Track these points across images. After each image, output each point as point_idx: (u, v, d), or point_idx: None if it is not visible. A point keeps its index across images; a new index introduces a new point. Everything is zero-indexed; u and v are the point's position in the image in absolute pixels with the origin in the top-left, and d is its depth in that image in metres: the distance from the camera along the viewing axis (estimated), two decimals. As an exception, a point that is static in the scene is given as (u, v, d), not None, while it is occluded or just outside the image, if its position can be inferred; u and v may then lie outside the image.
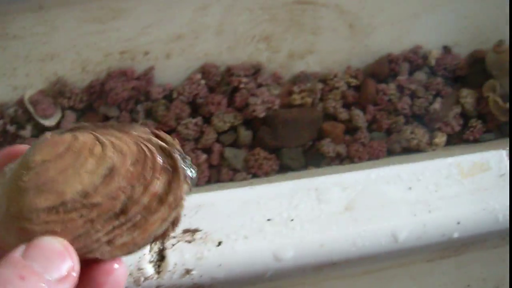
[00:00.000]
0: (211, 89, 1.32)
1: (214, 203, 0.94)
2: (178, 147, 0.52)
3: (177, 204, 0.48)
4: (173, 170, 0.49)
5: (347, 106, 1.34)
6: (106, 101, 1.27)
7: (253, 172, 1.25)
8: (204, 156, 1.25)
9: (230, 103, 1.30)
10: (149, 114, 1.30)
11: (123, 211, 0.47)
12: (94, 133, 0.50)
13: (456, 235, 0.93)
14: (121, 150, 0.49)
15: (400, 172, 0.97)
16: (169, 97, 1.30)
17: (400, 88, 1.34)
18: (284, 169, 1.27)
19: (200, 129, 1.27)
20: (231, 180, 1.25)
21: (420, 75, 1.38)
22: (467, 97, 1.33)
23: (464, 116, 1.34)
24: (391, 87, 1.33)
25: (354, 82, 1.35)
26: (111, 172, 0.47)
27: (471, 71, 1.39)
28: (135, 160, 0.49)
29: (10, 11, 1.22)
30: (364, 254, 0.87)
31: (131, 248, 0.47)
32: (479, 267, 1.05)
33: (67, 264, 0.44)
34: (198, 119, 1.27)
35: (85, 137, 0.49)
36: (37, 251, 0.44)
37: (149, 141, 0.51)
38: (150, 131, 0.53)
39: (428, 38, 1.41)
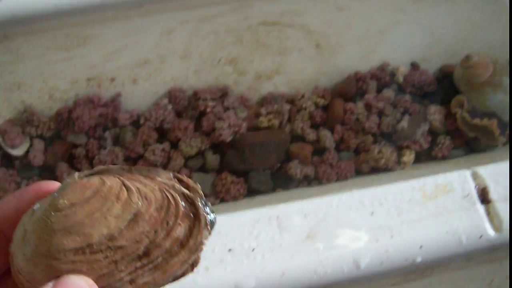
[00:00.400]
0: (179, 114, 1.32)
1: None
2: (200, 192, 0.53)
3: (197, 248, 0.50)
4: (195, 217, 0.51)
5: (315, 126, 1.34)
6: (74, 128, 1.27)
7: (221, 197, 1.25)
8: (172, 182, 1.25)
9: (197, 128, 1.30)
10: (117, 140, 1.30)
11: (146, 254, 0.48)
12: (120, 177, 0.52)
13: (419, 259, 0.93)
14: (146, 196, 0.50)
15: (363, 197, 0.97)
16: (136, 123, 1.31)
17: (368, 107, 1.34)
18: (252, 192, 1.27)
19: (167, 154, 1.27)
20: (200, 205, 1.26)
21: (388, 92, 1.38)
22: (435, 113, 1.33)
23: (432, 133, 1.34)
24: (359, 106, 1.33)
25: (321, 102, 1.35)
26: (136, 217, 0.49)
27: (439, 87, 1.39)
28: (159, 206, 0.50)
29: (-26, 41, 1.22)
30: (326, 282, 0.87)
31: (152, 287, 0.49)
32: (445, 289, 1.05)
33: None
34: (166, 145, 1.27)
35: (111, 182, 0.51)
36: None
37: (173, 187, 0.52)
38: (174, 176, 0.54)
39: (396, 54, 1.42)
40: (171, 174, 0.54)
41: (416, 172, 1.28)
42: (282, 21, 1.31)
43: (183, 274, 0.50)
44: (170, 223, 0.50)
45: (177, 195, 0.51)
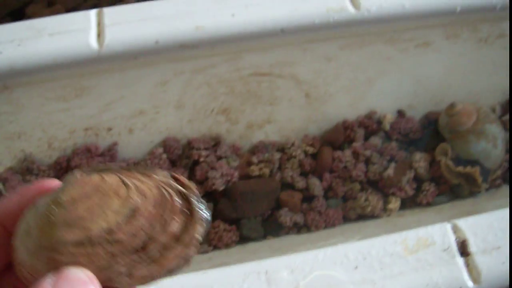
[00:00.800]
0: (173, 163, 1.35)
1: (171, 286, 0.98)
2: (195, 190, 0.55)
3: (191, 243, 0.52)
4: (190, 213, 0.53)
5: (304, 174, 1.38)
6: (72, 177, 1.30)
7: (214, 244, 1.28)
8: (167, 230, 1.28)
9: (191, 176, 1.33)
10: (113, 188, 1.33)
11: (143, 248, 0.51)
12: (119, 175, 0.55)
13: (401, 312, 0.97)
14: (143, 192, 0.53)
15: (348, 251, 1.00)
16: (132, 172, 1.33)
17: (356, 155, 1.38)
18: (244, 239, 1.31)
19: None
20: (193, 252, 1.29)
21: (376, 140, 1.42)
22: (420, 161, 1.36)
23: (417, 179, 1.38)
24: (347, 154, 1.37)
25: (311, 150, 1.39)
26: (134, 212, 0.51)
27: (425, 134, 1.43)
28: (156, 203, 0.53)
29: (-24, 92, 1.25)
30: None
31: (148, 280, 0.51)
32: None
33: None
34: (161, 193, 1.30)
35: (111, 179, 0.53)
36: (65, 281, 0.47)
37: (169, 185, 0.54)
38: (170, 175, 0.56)
39: (383, 102, 1.45)
40: (168, 173, 0.56)
41: (401, 219, 1.32)
42: (273, 72, 1.34)
43: (178, 268, 0.52)
44: (167, 218, 0.52)
45: (173, 192, 0.54)
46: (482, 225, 1.06)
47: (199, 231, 0.53)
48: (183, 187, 0.55)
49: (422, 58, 1.42)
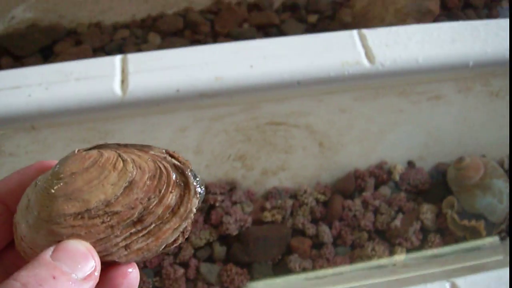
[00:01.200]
0: (189, 206, 1.39)
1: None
2: (190, 166, 0.57)
3: (187, 216, 0.54)
4: (185, 186, 0.55)
5: (315, 221, 1.43)
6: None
7: (226, 286, 1.33)
8: (181, 271, 1.33)
9: (206, 220, 1.39)
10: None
11: (140, 220, 0.52)
12: (116, 151, 0.56)
13: None
14: (140, 166, 0.54)
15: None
16: (150, 214, 1.38)
17: (365, 204, 1.42)
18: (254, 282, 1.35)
19: (178, 245, 1.34)
20: (206, 293, 1.34)
21: (385, 190, 1.46)
22: (427, 212, 1.40)
23: (424, 230, 1.42)
24: (356, 203, 1.42)
25: (322, 198, 1.44)
26: (130, 184, 0.53)
27: (433, 185, 1.47)
28: (152, 176, 0.54)
29: (6, 131, 1.30)
30: None
31: (145, 253, 0.53)
32: None
33: (91, 264, 0.50)
34: (177, 235, 1.34)
35: (109, 154, 0.55)
36: (64, 253, 0.49)
37: (165, 159, 0.57)
38: (166, 151, 0.59)
39: (394, 153, 1.50)
40: (163, 150, 0.58)
41: (406, 270, 1.35)
42: (288, 121, 1.39)
43: (175, 242, 0.54)
44: (162, 191, 0.53)
45: (168, 166, 0.55)
46: (480, 284, 1.09)
47: (194, 204, 0.55)
48: (178, 162, 0.57)
49: (433, 110, 1.46)
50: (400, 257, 1.37)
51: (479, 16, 1.97)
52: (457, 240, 1.41)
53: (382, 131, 1.46)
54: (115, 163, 0.54)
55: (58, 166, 0.54)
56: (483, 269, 1.14)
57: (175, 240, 0.54)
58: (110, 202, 0.52)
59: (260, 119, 1.38)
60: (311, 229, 1.40)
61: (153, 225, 0.53)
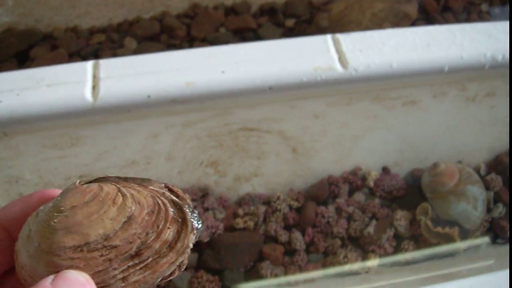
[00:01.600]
0: (161, 213, 1.38)
1: None
2: (189, 201, 0.58)
3: (184, 250, 0.55)
4: (182, 222, 0.56)
5: (287, 227, 1.41)
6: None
7: (197, 294, 1.32)
8: (152, 278, 1.32)
9: (177, 227, 1.36)
10: (104, 235, 1.36)
11: (137, 254, 0.53)
12: (116, 185, 0.57)
13: None
14: (139, 201, 0.55)
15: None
16: (122, 221, 1.36)
17: (339, 211, 1.41)
18: (225, 290, 1.34)
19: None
20: (176, 301, 1.33)
21: (359, 196, 1.45)
22: (401, 219, 1.39)
23: (397, 237, 1.41)
24: (330, 210, 1.40)
25: (295, 204, 1.43)
26: (129, 220, 0.54)
27: (408, 191, 1.46)
28: (150, 211, 0.55)
29: (-23, 138, 1.29)
30: None
31: (142, 285, 0.54)
32: None
33: None
34: (148, 242, 1.33)
35: (109, 188, 0.56)
36: (63, 282, 0.50)
37: (163, 195, 0.58)
38: (165, 186, 0.60)
39: (369, 159, 1.48)
40: (163, 184, 0.59)
41: (378, 277, 1.34)
42: (261, 127, 1.38)
43: (171, 275, 0.55)
44: (160, 226, 0.54)
45: (167, 201, 0.57)
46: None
47: (191, 240, 0.56)
48: (177, 198, 0.58)
49: (408, 116, 1.45)
50: (373, 264, 1.36)
51: (457, 20, 1.96)
52: (431, 247, 1.40)
53: (356, 136, 1.45)
54: (114, 198, 0.55)
55: (59, 198, 0.55)
56: (456, 277, 1.13)
57: (171, 273, 0.55)
58: (109, 236, 0.53)
59: (232, 125, 1.37)
60: (283, 236, 1.38)
61: (151, 259, 0.54)
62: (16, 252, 0.56)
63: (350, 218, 1.41)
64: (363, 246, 1.39)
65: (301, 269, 1.35)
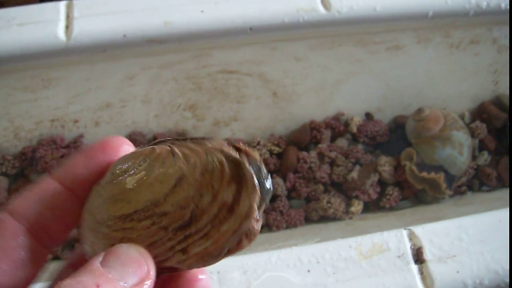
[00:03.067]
0: (137, 157, 1.34)
1: None
2: (257, 158, 0.51)
3: (248, 215, 0.48)
4: (242, 180, 0.48)
5: (268, 173, 1.36)
6: (37, 168, 1.30)
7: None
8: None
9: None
10: (77, 181, 1.32)
11: (193, 220, 0.48)
12: (170, 145, 0.52)
13: (351, 317, 0.97)
14: (190, 160, 0.50)
15: (301, 254, 1.00)
16: (97, 165, 1.33)
17: (321, 156, 1.37)
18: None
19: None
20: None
21: (342, 142, 1.41)
22: (385, 165, 1.36)
23: (382, 183, 1.37)
24: (312, 155, 1.36)
25: (276, 149, 1.38)
26: (180, 181, 0.48)
27: (392, 138, 1.43)
28: (204, 170, 0.49)
29: None
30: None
31: (206, 258, 0.48)
32: None
33: (143, 270, 0.47)
34: (124, 187, 1.29)
35: (161, 149, 0.51)
36: (115, 258, 0.46)
37: (222, 152, 0.50)
38: (227, 143, 0.52)
39: (351, 104, 1.45)
40: (225, 142, 0.52)
41: (363, 223, 1.32)
42: (241, 69, 1.34)
43: (239, 246, 0.49)
44: (216, 187, 0.48)
45: (223, 158, 0.49)
46: (439, 233, 1.06)
47: (255, 201, 0.48)
48: (239, 154, 0.51)
49: (392, 61, 1.42)
50: (356, 209, 1.33)
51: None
52: (416, 194, 1.38)
53: (339, 81, 1.41)
54: (165, 159, 0.50)
55: (113, 165, 0.52)
56: (444, 219, 1.11)
57: (238, 243, 0.49)
58: (159, 201, 0.48)
59: (211, 67, 1.33)
60: (264, 182, 1.34)
61: (209, 226, 0.48)
62: (80, 224, 0.53)
63: (333, 163, 1.38)
64: (346, 192, 1.36)
65: (282, 215, 1.32)
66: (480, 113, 1.48)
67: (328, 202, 1.31)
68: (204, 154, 0.50)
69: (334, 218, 1.33)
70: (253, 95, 1.38)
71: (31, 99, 1.30)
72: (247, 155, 0.51)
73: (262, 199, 0.49)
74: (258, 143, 1.38)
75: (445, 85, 1.48)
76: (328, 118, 1.44)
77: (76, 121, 1.34)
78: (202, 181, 0.48)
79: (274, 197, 1.35)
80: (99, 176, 0.53)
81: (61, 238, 0.54)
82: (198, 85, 1.34)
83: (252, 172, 0.49)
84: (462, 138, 1.35)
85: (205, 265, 0.49)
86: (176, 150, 0.51)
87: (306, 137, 1.40)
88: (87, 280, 0.44)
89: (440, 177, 1.31)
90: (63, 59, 1.24)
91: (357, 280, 0.99)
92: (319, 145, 1.39)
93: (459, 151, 1.34)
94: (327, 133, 1.41)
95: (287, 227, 1.32)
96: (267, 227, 1.32)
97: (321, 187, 1.35)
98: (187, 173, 0.49)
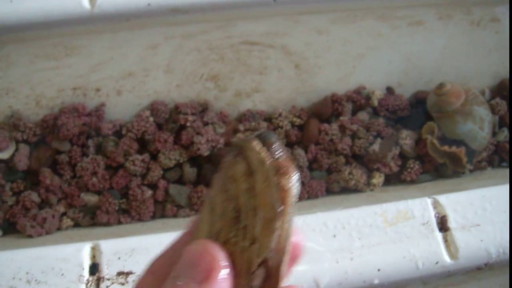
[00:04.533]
0: (159, 126, 1.35)
1: (148, 247, 0.98)
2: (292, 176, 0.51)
3: (262, 161, 0.50)
4: (242, 146, 0.52)
5: (290, 144, 1.37)
6: (58, 135, 1.29)
7: (196, 209, 1.28)
8: (149, 192, 1.28)
9: (176, 141, 1.32)
10: (99, 149, 1.32)
11: (238, 208, 0.50)
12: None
13: (376, 281, 0.97)
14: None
15: (327, 219, 1.01)
16: (118, 133, 1.34)
17: (342, 128, 1.37)
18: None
19: (146, 165, 1.30)
20: (175, 216, 1.29)
21: (363, 115, 1.41)
22: (406, 138, 1.36)
23: (403, 157, 1.37)
24: (333, 127, 1.36)
25: (298, 121, 1.38)
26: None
27: (413, 112, 1.42)
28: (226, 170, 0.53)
29: (-34, 47, 1.25)
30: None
31: (270, 227, 0.48)
32: (402, 311, 1.08)
33: (207, 263, 0.46)
34: (145, 156, 1.30)
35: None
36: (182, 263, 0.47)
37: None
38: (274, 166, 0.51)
39: (373, 78, 1.45)
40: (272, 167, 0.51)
41: (384, 194, 1.32)
42: (264, 41, 1.34)
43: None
44: (229, 172, 0.52)
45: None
46: (463, 202, 1.06)
47: (255, 146, 0.51)
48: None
49: (413, 36, 1.42)
50: (378, 181, 1.33)
51: None
52: (437, 167, 1.38)
53: (361, 55, 1.42)
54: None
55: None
56: (465, 189, 1.11)
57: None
58: None
59: (234, 38, 1.34)
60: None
61: (249, 199, 0.50)
62: None
63: (354, 136, 1.38)
64: (367, 164, 1.36)
65: (304, 185, 1.32)
66: (500, 90, 1.48)
67: (350, 173, 1.32)
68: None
69: (355, 190, 1.34)
70: (275, 67, 1.38)
71: (53, 67, 1.30)
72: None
73: (270, 144, 0.52)
74: (280, 115, 1.38)
75: (466, 62, 1.48)
76: (349, 92, 1.44)
77: (98, 90, 1.34)
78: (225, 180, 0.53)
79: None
80: None
81: None
82: (221, 55, 1.34)
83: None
84: (483, 113, 1.35)
85: (272, 234, 0.49)
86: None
87: (327, 109, 1.40)
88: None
89: (461, 151, 1.31)
90: (87, 27, 1.24)
91: (382, 246, 0.99)
92: (341, 118, 1.39)
93: (480, 126, 1.33)
94: (348, 106, 1.41)
95: (309, 198, 1.32)
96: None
97: (342, 159, 1.35)
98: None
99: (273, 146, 0.51)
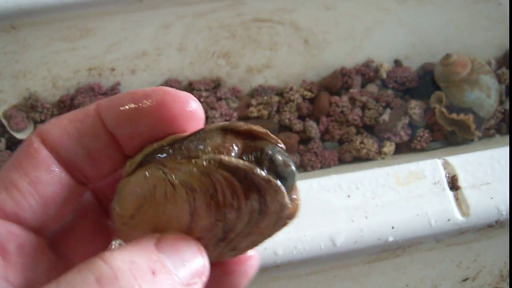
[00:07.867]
0: (174, 103, 1.37)
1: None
2: (266, 141, 0.43)
3: (282, 209, 0.43)
4: (260, 188, 0.42)
5: (301, 117, 1.40)
6: (75, 115, 1.32)
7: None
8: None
9: (191, 117, 1.34)
10: (116, 127, 1.35)
11: (228, 232, 0.44)
12: (163, 169, 0.43)
13: (391, 239, 0.99)
14: (192, 187, 0.42)
15: (341, 181, 1.03)
16: (134, 111, 1.36)
17: (352, 100, 1.40)
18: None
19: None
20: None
21: (372, 87, 1.44)
22: (415, 108, 1.39)
23: (412, 126, 1.40)
24: (344, 99, 1.39)
25: (308, 95, 1.41)
26: (193, 214, 0.42)
27: (420, 83, 1.45)
28: (212, 196, 0.42)
29: (-17, 31, 1.28)
30: (305, 257, 0.93)
31: (255, 245, 0.46)
32: (416, 268, 1.11)
33: (199, 263, 0.42)
34: (161, 132, 1.32)
35: (154, 179, 0.43)
36: (171, 246, 0.41)
37: (221, 164, 0.42)
38: (223, 135, 0.43)
39: (380, 52, 1.47)
40: (219, 139, 0.43)
41: (395, 161, 1.34)
42: (273, 18, 1.37)
43: (284, 226, 0.45)
44: (235, 204, 0.42)
45: (226, 173, 0.41)
46: (472, 162, 1.08)
47: (285, 197, 0.42)
48: (247, 145, 0.43)
49: (419, 9, 1.44)
50: (389, 149, 1.36)
51: None
52: (446, 135, 1.40)
53: (368, 29, 1.44)
54: (165, 194, 0.42)
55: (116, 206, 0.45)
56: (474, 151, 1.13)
57: (283, 225, 0.45)
58: (188, 231, 0.43)
59: (244, 15, 1.36)
60: (298, 125, 1.37)
61: (247, 228, 0.44)
62: (116, 199, 0.45)
63: (364, 107, 1.40)
64: (378, 134, 1.39)
65: (317, 155, 1.35)
66: (506, 60, 1.50)
67: (361, 142, 1.34)
68: (203, 175, 0.42)
69: (367, 159, 1.36)
70: (285, 43, 1.41)
71: (69, 49, 1.33)
72: (254, 140, 0.44)
73: (290, 188, 0.43)
74: (291, 89, 1.41)
75: (471, 33, 1.50)
76: (358, 65, 1.46)
77: (113, 69, 1.36)
78: (216, 205, 0.42)
79: (308, 139, 1.38)
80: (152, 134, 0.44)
81: (98, 179, 0.46)
82: (232, 33, 1.37)
83: (265, 173, 0.42)
84: (489, 81, 1.37)
85: (255, 247, 0.47)
86: (172, 178, 0.42)
87: (337, 82, 1.43)
88: (142, 263, 0.38)
89: (470, 118, 1.34)
90: (100, 9, 1.27)
91: (396, 204, 1.01)
92: (350, 90, 1.42)
93: (487, 94, 1.36)
94: (357, 79, 1.44)
95: (322, 167, 1.35)
96: (302, 167, 1.35)
97: (353, 130, 1.38)
98: (196, 204, 0.42)
99: (293, 190, 0.44)
